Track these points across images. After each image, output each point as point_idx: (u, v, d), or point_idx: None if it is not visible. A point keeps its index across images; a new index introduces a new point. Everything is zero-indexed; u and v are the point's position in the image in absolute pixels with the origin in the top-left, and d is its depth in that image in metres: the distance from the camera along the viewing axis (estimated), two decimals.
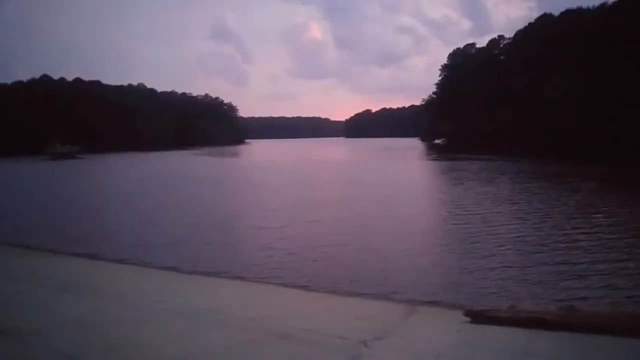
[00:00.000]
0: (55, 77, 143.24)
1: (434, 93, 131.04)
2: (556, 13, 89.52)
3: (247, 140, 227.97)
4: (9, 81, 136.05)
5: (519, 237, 14.87)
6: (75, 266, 12.76)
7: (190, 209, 23.87)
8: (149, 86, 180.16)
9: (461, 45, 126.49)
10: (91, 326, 6.65)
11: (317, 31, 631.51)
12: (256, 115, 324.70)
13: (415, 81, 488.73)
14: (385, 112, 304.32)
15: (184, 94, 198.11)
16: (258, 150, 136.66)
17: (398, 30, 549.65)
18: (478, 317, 7.88)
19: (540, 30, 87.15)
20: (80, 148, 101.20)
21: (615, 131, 54.65)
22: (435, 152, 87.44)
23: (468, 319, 7.97)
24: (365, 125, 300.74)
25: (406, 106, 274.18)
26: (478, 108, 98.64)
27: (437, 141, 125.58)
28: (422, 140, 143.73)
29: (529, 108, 77.94)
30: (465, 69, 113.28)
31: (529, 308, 8.02)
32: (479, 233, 15.52)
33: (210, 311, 7.85)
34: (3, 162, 77.12)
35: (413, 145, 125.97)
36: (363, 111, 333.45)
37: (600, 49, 64.02)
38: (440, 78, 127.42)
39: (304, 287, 10.71)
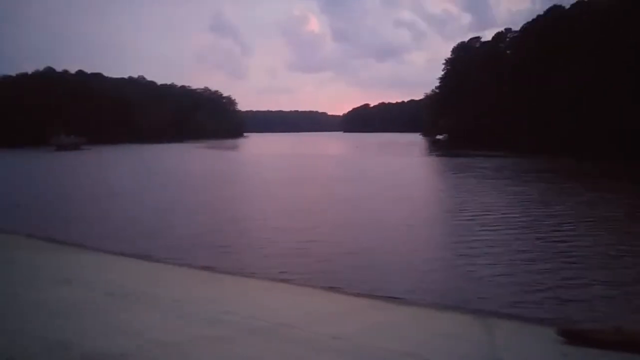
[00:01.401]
0: (59, 69, 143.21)
1: (436, 88, 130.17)
2: (566, 5, 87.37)
3: (245, 134, 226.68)
4: (13, 73, 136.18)
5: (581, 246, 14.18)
6: (114, 265, 12.09)
7: (213, 207, 23.17)
8: (149, 79, 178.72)
9: (460, 40, 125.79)
10: (174, 347, 5.99)
11: (315, 24, 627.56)
12: (254, 109, 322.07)
13: (414, 76, 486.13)
14: (383, 107, 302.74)
15: (183, 86, 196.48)
16: (258, 144, 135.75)
17: (397, 24, 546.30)
18: (577, 338, 7.27)
19: (550, 23, 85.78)
20: (84, 140, 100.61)
21: (630, 128, 54.13)
22: (440, 148, 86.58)
23: (562, 338, 7.38)
24: (363, 120, 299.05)
25: (405, 101, 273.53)
26: (483, 103, 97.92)
27: (439, 137, 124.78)
28: (424, 135, 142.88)
29: (537, 103, 77.18)
30: (469, 64, 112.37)
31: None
32: (537, 240, 14.79)
33: (288, 325, 7.23)
34: (10, 153, 76.37)
35: (415, 141, 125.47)
36: (361, 105, 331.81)
37: (614, 41, 63.12)
38: (443, 72, 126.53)
39: (357, 294, 10.10)
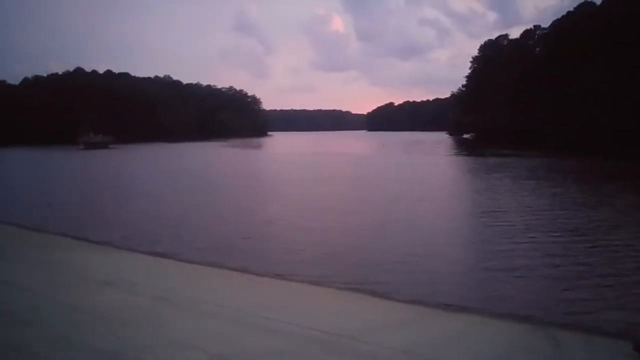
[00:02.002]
0: (88, 69, 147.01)
1: (463, 86, 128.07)
2: (598, 1, 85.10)
3: (269, 133, 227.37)
4: (44, 73, 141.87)
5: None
6: (153, 267, 11.93)
7: (245, 207, 23.00)
8: (174, 78, 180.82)
9: (486, 37, 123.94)
10: None
11: (339, 23, 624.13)
12: (277, 108, 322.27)
13: (438, 74, 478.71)
14: (408, 105, 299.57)
15: (208, 86, 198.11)
16: (283, 142, 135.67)
17: (421, 23, 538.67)
18: None
19: (581, 20, 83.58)
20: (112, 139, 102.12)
21: None
22: (469, 147, 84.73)
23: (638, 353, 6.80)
24: (388, 119, 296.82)
25: (430, 99, 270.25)
26: (511, 101, 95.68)
27: (466, 135, 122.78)
28: (450, 134, 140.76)
29: (568, 102, 75.04)
30: (497, 61, 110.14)
31: None
32: (593, 247, 13.92)
33: (348, 337, 6.82)
34: (40, 151, 78.21)
35: (441, 140, 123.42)
36: (385, 104, 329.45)
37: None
38: (470, 71, 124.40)
39: (411, 301, 9.63)
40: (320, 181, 33.73)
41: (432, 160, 55.88)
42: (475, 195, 24.95)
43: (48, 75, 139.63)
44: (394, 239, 15.28)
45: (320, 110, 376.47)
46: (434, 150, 79.70)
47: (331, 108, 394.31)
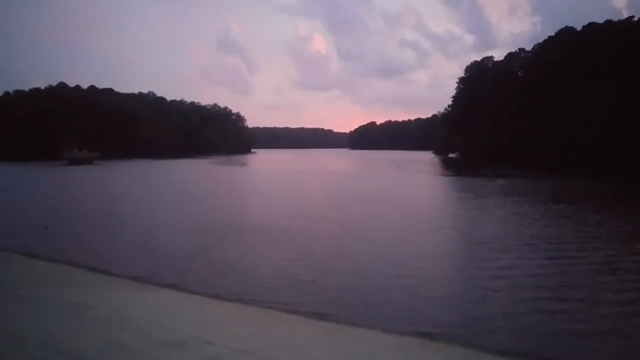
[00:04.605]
0: (71, 84, 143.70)
1: (449, 106, 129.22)
2: (562, 27, 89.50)
3: (252, 150, 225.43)
4: (26, 88, 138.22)
5: None
6: (215, 316, 10.06)
7: (268, 233, 21.22)
8: (158, 94, 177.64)
9: (463, 60, 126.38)
10: None
11: (321, 43, 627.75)
12: (260, 126, 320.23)
13: (418, 94, 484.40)
14: (389, 125, 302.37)
15: (192, 103, 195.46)
16: (269, 160, 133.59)
17: (401, 44, 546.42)
18: None
19: (563, 44, 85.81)
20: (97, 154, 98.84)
21: None
22: (461, 167, 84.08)
23: None
24: (369, 137, 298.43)
25: (412, 119, 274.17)
26: (498, 122, 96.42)
27: (451, 155, 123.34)
28: (436, 153, 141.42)
29: (553, 122, 76.04)
30: (483, 83, 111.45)
31: None
32: None
33: None
34: (22, 168, 74.30)
35: (429, 159, 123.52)
36: (368, 123, 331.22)
37: (629, 62, 63.07)
38: (456, 91, 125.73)
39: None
40: (337, 202, 32.18)
41: (437, 181, 54.86)
42: (514, 223, 23.03)
43: (30, 90, 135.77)
44: (446, 276, 13.86)
45: (302, 129, 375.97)
46: (430, 169, 79.13)
47: (314, 126, 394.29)
